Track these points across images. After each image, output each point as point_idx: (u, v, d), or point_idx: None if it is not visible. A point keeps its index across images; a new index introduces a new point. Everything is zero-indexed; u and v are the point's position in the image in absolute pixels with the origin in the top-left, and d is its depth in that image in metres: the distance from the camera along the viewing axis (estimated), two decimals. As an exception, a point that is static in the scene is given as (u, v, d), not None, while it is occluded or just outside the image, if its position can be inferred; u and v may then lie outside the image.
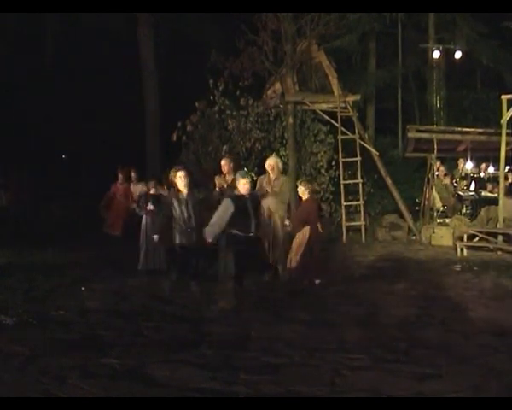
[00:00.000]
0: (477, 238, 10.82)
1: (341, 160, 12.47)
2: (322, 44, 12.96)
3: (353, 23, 15.62)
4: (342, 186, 12.44)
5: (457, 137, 12.45)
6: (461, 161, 13.52)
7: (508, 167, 12.13)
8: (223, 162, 8.50)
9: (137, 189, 11.19)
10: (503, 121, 10.55)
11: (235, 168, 8.41)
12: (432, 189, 12.66)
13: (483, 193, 12.64)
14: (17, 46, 17.59)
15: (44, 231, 12.71)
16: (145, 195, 8.87)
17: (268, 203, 7.74)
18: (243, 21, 11.98)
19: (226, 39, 14.34)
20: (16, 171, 14.88)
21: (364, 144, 12.80)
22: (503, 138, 10.55)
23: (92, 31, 17.74)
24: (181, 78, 17.88)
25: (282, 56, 12.36)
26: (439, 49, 18.59)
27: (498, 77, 19.72)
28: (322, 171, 12.61)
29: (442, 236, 11.55)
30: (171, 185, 7.43)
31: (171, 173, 7.22)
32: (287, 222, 7.92)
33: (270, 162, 8.03)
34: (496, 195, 11.66)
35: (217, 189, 8.29)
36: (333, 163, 12.68)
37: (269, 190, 7.89)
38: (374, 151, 12.88)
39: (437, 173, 13.08)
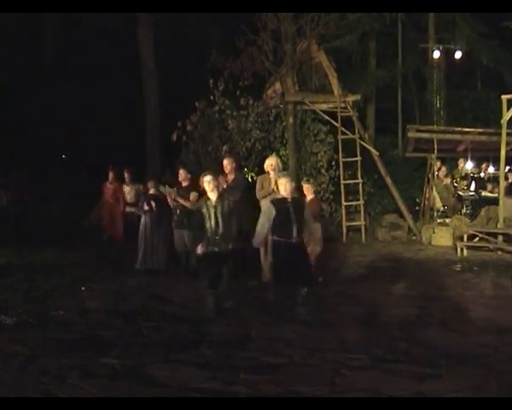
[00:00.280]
0: (477, 238, 10.82)
1: (341, 160, 12.47)
2: (323, 44, 12.96)
3: (353, 23, 15.59)
4: (342, 186, 12.45)
5: (457, 137, 12.45)
6: (461, 161, 13.51)
7: (508, 167, 12.12)
8: (225, 162, 8.41)
9: (130, 190, 11.15)
10: (503, 121, 10.55)
11: (236, 168, 8.43)
12: (432, 189, 12.66)
13: (483, 193, 12.64)
14: (17, 46, 17.58)
15: (44, 231, 12.71)
16: (144, 195, 8.85)
17: (268, 203, 7.71)
18: (243, 21, 11.99)
19: (226, 39, 14.35)
20: (16, 171, 14.90)
21: (364, 144, 12.80)
22: (503, 138, 10.55)
23: (92, 31, 17.71)
24: (181, 78, 17.88)
25: (282, 56, 12.37)
26: (439, 49, 18.58)
27: (498, 77, 19.68)
28: (323, 171, 12.61)
29: (442, 236, 11.56)
30: (200, 190, 7.14)
31: (200, 179, 6.67)
32: None
33: (271, 162, 8.00)
34: (496, 195, 11.66)
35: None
36: (333, 163, 12.68)
37: (270, 190, 7.84)
38: (374, 151, 12.89)
39: (437, 174, 13.07)
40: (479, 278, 8.20)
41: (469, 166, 13.47)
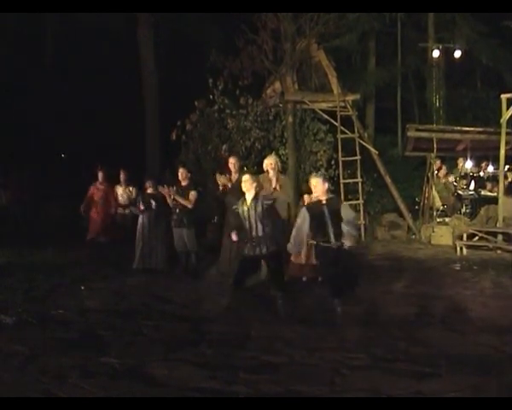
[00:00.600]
0: (477, 237, 10.83)
1: (341, 159, 12.48)
2: (322, 43, 12.96)
3: (353, 22, 15.59)
4: (342, 185, 12.45)
5: (457, 136, 12.45)
6: (460, 160, 13.51)
7: (507, 166, 12.12)
8: (232, 160, 8.33)
9: (123, 191, 10.68)
10: (503, 120, 10.56)
11: (240, 168, 8.43)
12: (431, 188, 12.67)
13: (482, 192, 12.64)
14: (17, 46, 17.58)
15: (44, 230, 12.71)
16: (142, 194, 8.84)
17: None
18: (243, 21, 11.97)
19: (226, 38, 14.35)
20: (16, 171, 14.88)
21: (364, 143, 12.81)
22: (503, 137, 10.55)
23: (92, 31, 17.72)
24: (181, 77, 17.86)
25: (282, 55, 12.36)
26: (438, 48, 18.60)
27: (498, 76, 19.69)
28: (322, 170, 12.58)
29: (442, 235, 11.57)
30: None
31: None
32: None
33: (271, 161, 7.99)
34: (495, 194, 11.67)
35: (220, 188, 8.25)
36: (332, 162, 12.69)
37: (271, 189, 7.82)
38: (373, 150, 12.89)
39: (436, 173, 13.07)
40: (478, 277, 8.19)
41: (469, 165, 13.47)
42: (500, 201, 10.80)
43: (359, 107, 16.25)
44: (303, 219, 5.81)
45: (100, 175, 10.44)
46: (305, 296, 6.94)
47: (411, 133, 12.27)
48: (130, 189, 10.76)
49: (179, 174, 8.57)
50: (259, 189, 6.30)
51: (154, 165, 16.68)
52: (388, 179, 12.79)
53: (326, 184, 5.75)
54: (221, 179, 8.18)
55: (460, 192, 12.76)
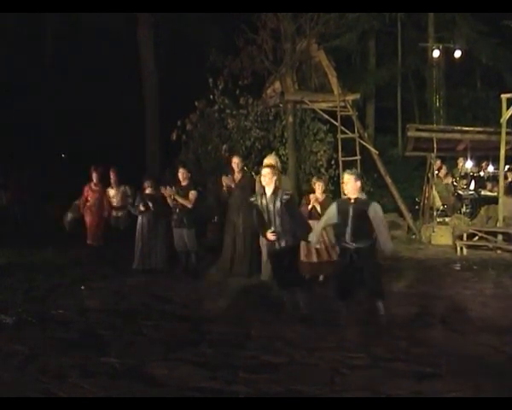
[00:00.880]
0: (477, 237, 10.83)
1: (341, 159, 12.45)
2: (322, 43, 12.94)
3: (353, 22, 15.59)
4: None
5: (457, 136, 12.43)
6: (460, 160, 13.51)
7: (507, 166, 12.12)
8: (236, 160, 8.37)
9: (115, 193, 10.30)
10: (503, 120, 10.55)
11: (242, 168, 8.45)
12: (431, 188, 12.66)
13: (483, 192, 12.64)
14: (17, 46, 17.59)
15: (44, 230, 12.71)
16: (140, 194, 8.83)
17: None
18: (243, 20, 11.97)
19: (226, 38, 14.34)
20: (16, 171, 14.89)
21: (364, 143, 12.79)
22: (503, 137, 10.55)
23: (92, 31, 17.73)
24: (181, 77, 17.87)
25: (282, 55, 12.35)
26: (438, 47, 18.61)
27: (498, 76, 19.72)
28: (322, 170, 12.60)
29: (442, 235, 11.56)
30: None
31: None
32: None
33: (270, 161, 7.98)
34: (495, 194, 11.66)
35: (224, 189, 8.26)
36: (332, 162, 12.68)
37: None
38: (373, 150, 12.88)
39: (437, 173, 13.07)
40: (478, 276, 8.19)
41: (469, 165, 13.46)
42: (500, 201, 10.79)
43: (359, 107, 16.25)
44: (328, 213, 5.74)
45: (94, 176, 10.06)
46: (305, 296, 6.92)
47: (411, 133, 12.26)
48: (123, 188, 10.38)
49: (179, 174, 8.56)
50: (279, 183, 6.23)
51: (154, 165, 16.68)
52: (388, 179, 12.78)
53: (358, 183, 5.53)
54: (225, 180, 8.19)
55: (460, 192, 12.76)
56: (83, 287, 7.41)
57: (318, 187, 7.82)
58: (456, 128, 12.77)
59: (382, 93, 20.22)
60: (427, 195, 13.05)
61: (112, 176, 10.27)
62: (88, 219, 10.07)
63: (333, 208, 5.68)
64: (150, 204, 8.52)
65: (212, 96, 12.25)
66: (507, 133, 10.59)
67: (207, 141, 12.26)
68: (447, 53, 19.00)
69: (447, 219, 12.33)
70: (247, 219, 8.17)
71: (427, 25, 19.34)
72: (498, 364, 4.44)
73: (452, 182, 13.22)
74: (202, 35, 17.43)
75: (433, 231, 11.74)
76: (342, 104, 12.63)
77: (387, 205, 13.79)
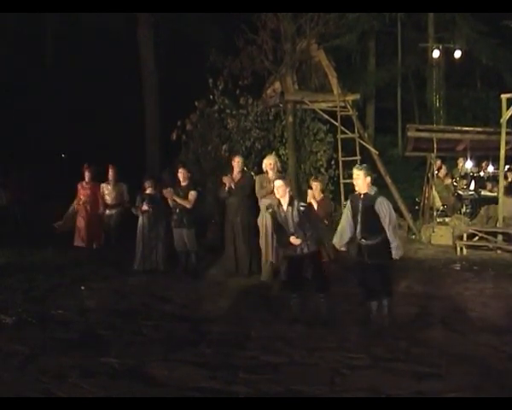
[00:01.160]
0: (477, 237, 10.82)
1: (341, 159, 12.45)
2: (322, 43, 12.94)
3: (353, 22, 15.60)
4: (342, 185, 12.43)
5: (457, 136, 12.43)
6: (460, 160, 13.50)
7: (507, 166, 12.12)
8: (237, 159, 8.41)
9: (111, 190, 10.17)
10: (503, 120, 10.55)
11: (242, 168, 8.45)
12: (431, 188, 12.66)
13: (483, 192, 12.62)
14: (17, 46, 17.59)
15: (44, 230, 12.69)
16: (140, 194, 8.82)
17: (268, 203, 7.71)
18: (243, 21, 11.97)
19: (226, 38, 14.34)
20: (16, 171, 14.87)
21: (364, 143, 12.79)
22: (503, 137, 10.54)
23: (92, 31, 17.72)
24: (181, 77, 17.87)
25: (282, 55, 12.35)
26: (438, 48, 18.62)
27: (498, 76, 19.72)
28: (322, 170, 12.59)
29: (442, 235, 11.55)
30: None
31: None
32: None
33: (270, 161, 7.99)
34: (495, 194, 11.65)
35: (225, 189, 8.26)
36: (332, 162, 12.67)
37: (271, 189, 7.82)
38: (373, 150, 12.87)
39: (437, 173, 13.06)
40: (478, 277, 8.19)
41: (469, 165, 13.46)
42: (500, 201, 10.79)
43: (359, 107, 16.25)
44: (345, 211, 5.73)
45: (86, 175, 10.00)
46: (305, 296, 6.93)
47: (411, 133, 12.26)
48: (120, 186, 10.38)
49: (179, 174, 8.57)
50: (293, 193, 6.16)
51: (154, 165, 16.66)
52: (388, 179, 12.77)
53: (368, 178, 5.48)
54: (226, 180, 8.21)
55: (460, 192, 12.75)
56: (83, 287, 7.40)
57: (315, 187, 7.84)
58: (456, 128, 12.77)
59: (382, 93, 20.23)
60: (427, 195, 13.04)
61: (110, 172, 10.22)
62: (80, 217, 10.05)
63: (347, 205, 5.72)
64: (149, 204, 8.52)
65: (212, 97, 12.24)
66: (507, 133, 10.58)
67: (207, 141, 12.24)
68: (447, 53, 19.01)
69: (447, 220, 12.32)
70: (246, 219, 8.20)
71: (427, 25, 19.35)
72: (498, 364, 4.44)
73: (452, 182, 13.22)
74: (202, 35, 17.43)
75: (433, 232, 11.73)
76: (342, 104, 12.63)
77: (387, 205, 13.79)
